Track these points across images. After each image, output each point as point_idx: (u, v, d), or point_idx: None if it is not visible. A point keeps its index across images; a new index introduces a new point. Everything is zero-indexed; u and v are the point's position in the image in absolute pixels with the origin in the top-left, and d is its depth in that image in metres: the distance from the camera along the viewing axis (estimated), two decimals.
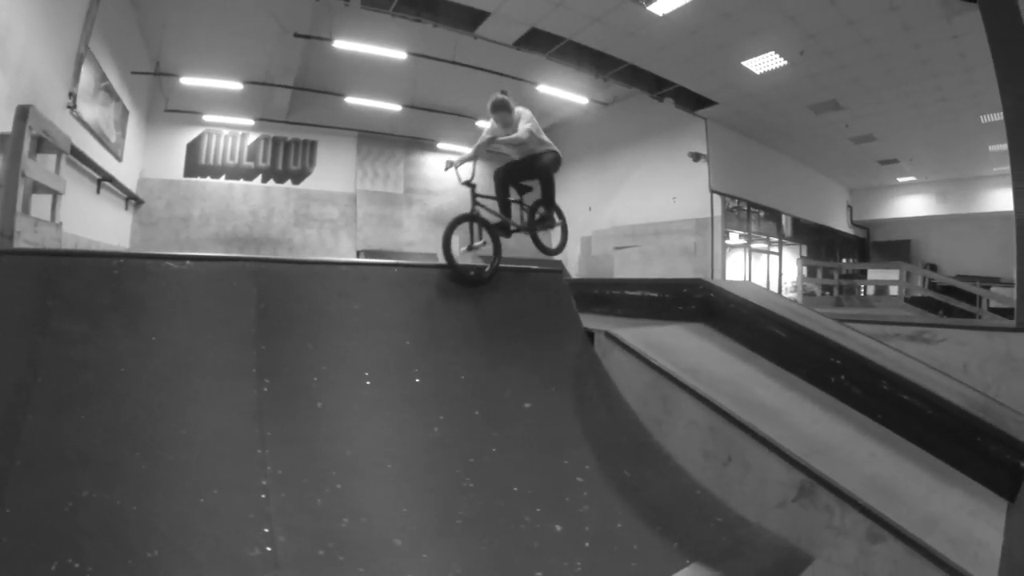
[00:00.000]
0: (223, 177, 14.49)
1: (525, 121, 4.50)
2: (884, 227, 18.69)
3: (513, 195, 4.70)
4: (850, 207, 18.59)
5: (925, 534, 2.73)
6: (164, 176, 13.71)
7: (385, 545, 2.35)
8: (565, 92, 12.22)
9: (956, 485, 3.55)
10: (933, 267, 15.43)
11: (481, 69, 11.22)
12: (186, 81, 11.81)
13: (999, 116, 10.70)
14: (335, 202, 15.59)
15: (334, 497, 2.48)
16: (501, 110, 4.47)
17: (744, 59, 9.72)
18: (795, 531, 3.00)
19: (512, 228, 4.64)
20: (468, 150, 4.68)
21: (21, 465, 2.18)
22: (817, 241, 16.39)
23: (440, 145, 16.36)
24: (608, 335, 4.17)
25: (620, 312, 6.08)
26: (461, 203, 18.36)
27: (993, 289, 11.44)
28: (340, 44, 10.05)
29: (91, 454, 2.33)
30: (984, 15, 6.81)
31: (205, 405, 2.68)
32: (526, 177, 4.73)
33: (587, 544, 2.63)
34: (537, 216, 4.75)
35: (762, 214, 14.57)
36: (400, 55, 10.47)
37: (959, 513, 3.20)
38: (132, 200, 12.48)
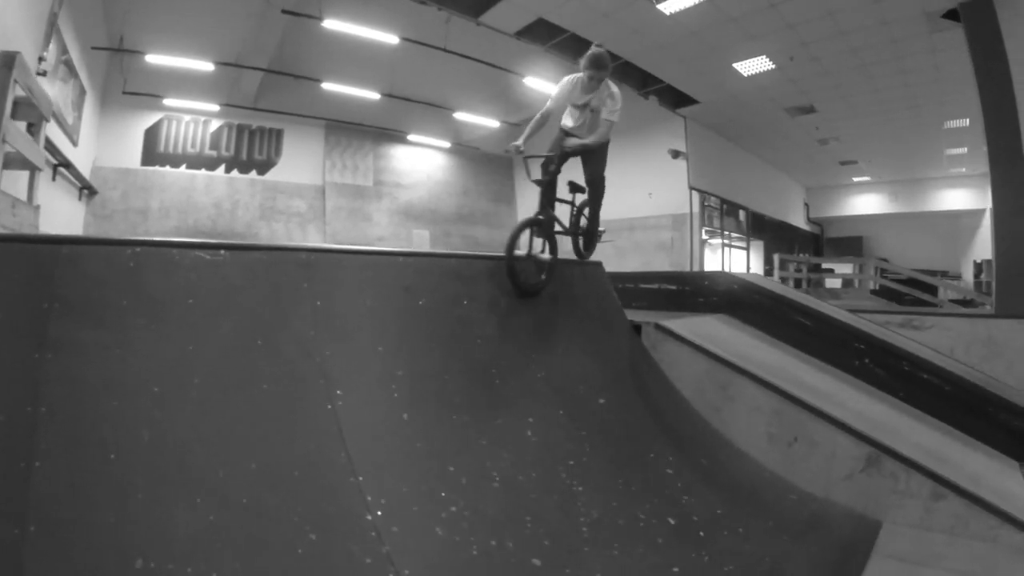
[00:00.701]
0: (184, 166, 13.76)
1: (617, 100, 3.88)
2: (838, 224, 19.86)
3: (564, 194, 4.20)
4: (807, 204, 19.61)
5: (976, 490, 3.06)
6: (120, 164, 12.87)
7: (525, 568, 2.12)
8: (552, 85, 12.04)
9: (977, 450, 4.00)
10: (884, 261, 16.43)
11: (469, 58, 11.08)
12: (152, 59, 11.07)
13: (960, 123, 11.71)
14: (303, 194, 15.08)
15: (453, 523, 2.18)
16: (601, 68, 3.73)
17: (735, 61, 10.03)
18: (862, 500, 3.24)
19: (558, 230, 4.13)
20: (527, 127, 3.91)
21: (37, 533, 1.62)
22: (777, 237, 17.12)
23: (411, 137, 16.12)
24: (658, 327, 4.25)
25: (637, 305, 6.06)
26: (433, 197, 18.24)
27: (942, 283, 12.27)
28: (330, 24, 9.56)
29: (133, 509, 1.79)
30: (967, 31, 7.52)
31: (273, 429, 2.19)
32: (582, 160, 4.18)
33: (702, 533, 2.66)
34: (583, 220, 4.43)
35: (724, 209, 15.09)
36: (391, 39, 10.12)
37: (990, 472, 3.60)
38: (86, 190, 11.69)
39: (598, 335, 3.99)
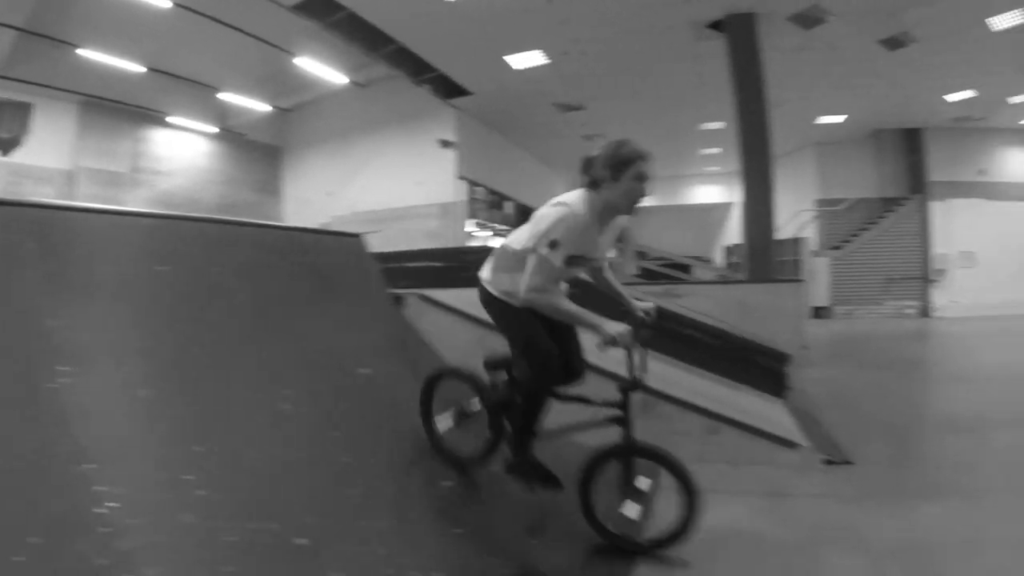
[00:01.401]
0: None
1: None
2: None
3: None
4: None
5: (749, 421, 3.51)
6: None
7: (290, 549, 1.92)
8: (325, 68, 11.71)
9: (744, 391, 4.54)
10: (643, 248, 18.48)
11: (243, 32, 10.36)
12: None
13: (717, 125, 13.44)
14: (52, 181, 12.89)
15: (204, 509, 1.88)
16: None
17: (510, 54, 10.21)
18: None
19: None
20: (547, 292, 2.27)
21: None
22: None
23: (175, 120, 14.64)
24: (423, 297, 4.24)
25: (404, 284, 5.78)
26: (194, 186, 16.74)
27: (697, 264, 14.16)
28: None
29: None
30: (729, 40, 8.62)
31: None
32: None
33: (481, 493, 2.71)
34: None
35: (491, 202, 15.66)
36: (163, 4, 9.23)
37: (759, 407, 4.10)
38: None
39: (357, 306, 3.85)
